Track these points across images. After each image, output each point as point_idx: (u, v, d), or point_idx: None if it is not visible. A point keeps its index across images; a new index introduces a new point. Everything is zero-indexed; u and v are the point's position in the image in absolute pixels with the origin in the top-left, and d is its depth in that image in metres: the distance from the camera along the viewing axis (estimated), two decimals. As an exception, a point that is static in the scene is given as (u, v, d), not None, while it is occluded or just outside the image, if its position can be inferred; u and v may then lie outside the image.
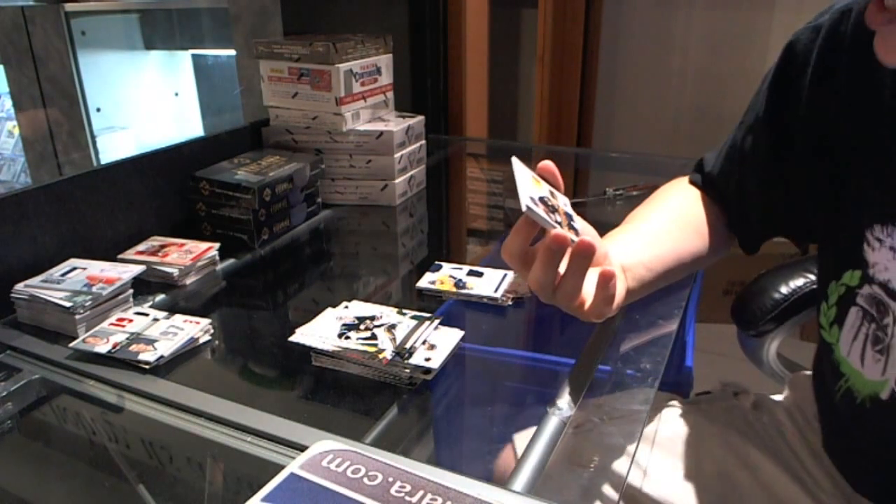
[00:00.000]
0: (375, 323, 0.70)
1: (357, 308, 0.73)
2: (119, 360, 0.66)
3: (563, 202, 0.55)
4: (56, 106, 1.52)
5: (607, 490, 0.57)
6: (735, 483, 0.69)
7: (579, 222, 0.56)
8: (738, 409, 0.76)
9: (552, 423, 0.57)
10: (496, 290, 0.80)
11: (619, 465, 0.56)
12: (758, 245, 0.72)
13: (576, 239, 0.50)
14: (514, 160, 0.52)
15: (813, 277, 0.88)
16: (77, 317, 0.71)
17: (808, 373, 0.76)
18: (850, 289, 0.58)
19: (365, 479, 0.44)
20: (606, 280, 0.52)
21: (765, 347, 0.92)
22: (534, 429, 0.68)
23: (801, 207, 0.65)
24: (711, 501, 0.68)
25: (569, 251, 0.51)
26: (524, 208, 0.48)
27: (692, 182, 0.76)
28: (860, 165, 0.57)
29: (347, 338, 0.67)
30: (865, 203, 0.56)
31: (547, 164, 0.54)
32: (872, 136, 0.55)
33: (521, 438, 0.69)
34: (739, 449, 0.71)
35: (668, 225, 0.69)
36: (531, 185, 0.52)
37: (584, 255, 0.50)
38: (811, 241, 0.69)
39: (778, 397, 0.79)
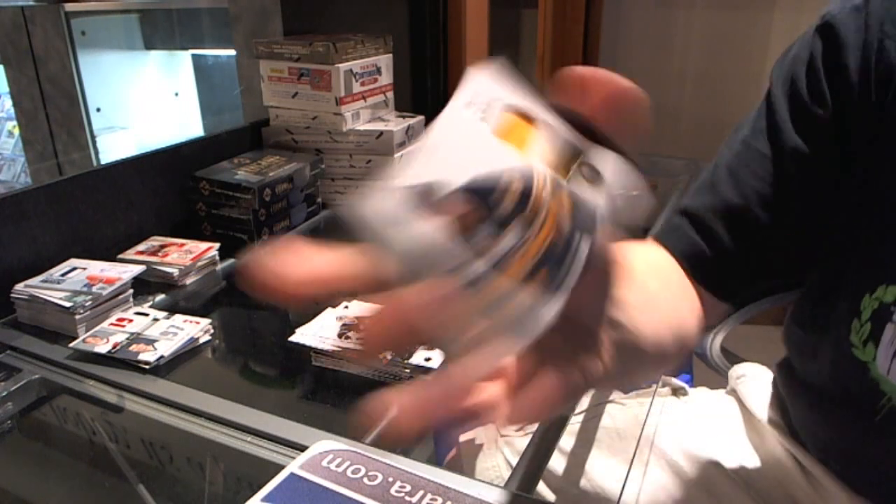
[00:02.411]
0: (375, 323, 0.70)
1: (357, 308, 0.73)
2: (119, 360, 0.66)
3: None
4: (56, 106, 1.52)
5: (607, 490, 0.57)
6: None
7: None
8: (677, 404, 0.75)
9: (552, 424, 0.57)
10: (496, 291, 0.80)
11: (619, 465, 0.56)
12: (745, 294, 0.56)
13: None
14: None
15: None
16: (77, 317, 0.71)
17: (748, 364, 0.75)
18: (884, 304, 0.51)
19: (365, 479, 0.44)
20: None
21: (708, 342, 0.94)
22: (478, 429, 0.69)
23: (820, 229, 0.54)
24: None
25: None
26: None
27: (659, 240, 0.55)
28: None
29: (347, 338, 0.67)
30: None
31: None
32: None
33: (466, 437, 0.69)
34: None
35: None
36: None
37: None
38: (803, 281, 0.59)
39: (719, 392, 0.78)
